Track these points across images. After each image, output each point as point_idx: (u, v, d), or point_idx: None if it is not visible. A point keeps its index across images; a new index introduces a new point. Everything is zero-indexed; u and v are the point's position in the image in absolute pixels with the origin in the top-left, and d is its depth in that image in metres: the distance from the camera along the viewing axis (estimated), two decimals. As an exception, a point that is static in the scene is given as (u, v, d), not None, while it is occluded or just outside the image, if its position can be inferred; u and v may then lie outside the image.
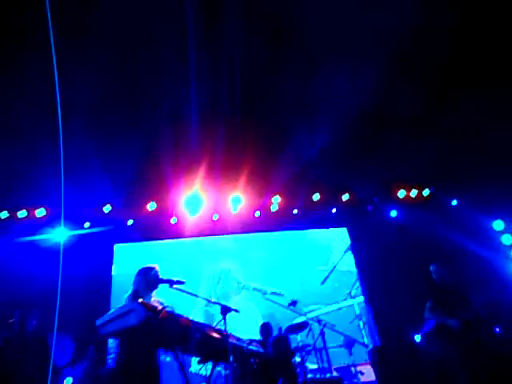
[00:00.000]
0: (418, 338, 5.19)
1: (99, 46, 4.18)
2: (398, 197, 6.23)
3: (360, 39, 4.71)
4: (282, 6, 4.40)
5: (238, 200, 6.02)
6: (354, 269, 6.29)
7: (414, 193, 6.24)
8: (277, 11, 4.43)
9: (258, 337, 4.92)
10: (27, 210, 5.53)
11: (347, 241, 6.52)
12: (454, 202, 6.28)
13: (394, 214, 6.32)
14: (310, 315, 5.44)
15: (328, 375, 4.93)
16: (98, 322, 2.94)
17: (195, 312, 4.36)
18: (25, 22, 3.96)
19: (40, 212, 5.59)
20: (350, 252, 6.51)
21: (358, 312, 5.83)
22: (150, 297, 3.66)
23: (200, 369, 3.85)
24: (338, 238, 6.66)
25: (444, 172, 5.87)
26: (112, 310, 2.96)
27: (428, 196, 6.27)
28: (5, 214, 5.45)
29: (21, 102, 4.81)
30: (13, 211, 5.50)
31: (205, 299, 4.23)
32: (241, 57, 4.60)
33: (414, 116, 5.49)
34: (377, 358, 4.65)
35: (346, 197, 6.35)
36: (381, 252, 6.10)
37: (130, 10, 4.07)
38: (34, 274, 5.05)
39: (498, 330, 4.16)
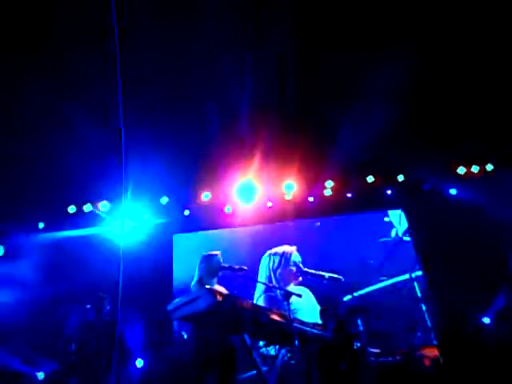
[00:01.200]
0: (486, 320, 5.00)
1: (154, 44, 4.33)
2: (458, 174, 5.96)
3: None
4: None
5: (290, 186, 6.02)
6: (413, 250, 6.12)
7: (475, 168, 5.94)
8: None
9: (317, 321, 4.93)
10: (92, 204, 5.86)
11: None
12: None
13: (453, 192, 6.04)
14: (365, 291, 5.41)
15: (390, 359, 4.86)
16: (169, 307, 3.07)
17: (257, 298, 4.43)
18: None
19: (103, 206, 5.89)
20: (408, 235, 6.33)
21: (419, 295, 5.68)
22: (213, 283, 3.77)
23: (266, 350, 3.93)
24: (397, 218, 6.49)
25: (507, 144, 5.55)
26: (181, 297, 3.09)
27: (492, 171, 5.93)
28: (73, 209, 5.81)
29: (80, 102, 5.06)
30: (79, 205, 5.86)
31: (265, 285, 4.30)
32: (291, 48, 4.61)
33: (465, 90, 5.27)
34: (443, 341, 4.53)
35: (401, 177, 6.16)
36: (440, 232, 5.87)
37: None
38: (103, 264, 5.34)
39: None
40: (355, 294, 5.57)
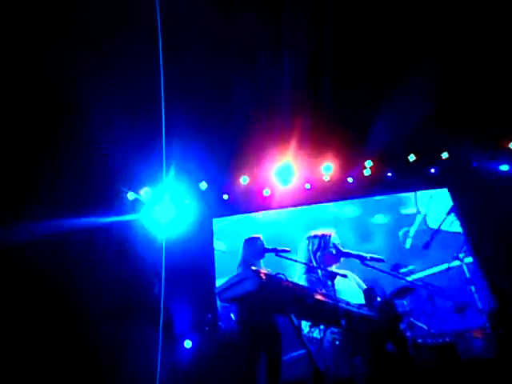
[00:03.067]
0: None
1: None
2: (509, 149, 5.67)
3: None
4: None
5: (329, 168, 5.93)
6: (459, 229, 5.90)
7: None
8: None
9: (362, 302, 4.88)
10: (135, 191, 6.00)
11: (447, 201, 6.10)
12: None
13: (505, 168, 5.74)
14: (414, 278, 5.26)
15: (440, 340, 4.75)
16: (217, 289, 3.12)
17: (297, 279, 4.44)
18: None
19: (145, 192, 6.02)
20: (453, 214, 6.08)
21: (468, 276, 5.49)
22: (259, 265, 3.80)
23: (311, 332, 3.94)
24: (437, 198, 6.26)
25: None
26: (227, 278, 3.13)
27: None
28: (130, 195, 5.98)
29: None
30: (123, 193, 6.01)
31: (307, 265, 4.28)
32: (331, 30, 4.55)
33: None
34: (496, 321, 4.38)
35: (445, 155, 5.93)
36: (489, 212, 5.63)
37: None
38: (146, 250, 5.48)
39: None
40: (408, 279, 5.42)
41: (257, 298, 2.98)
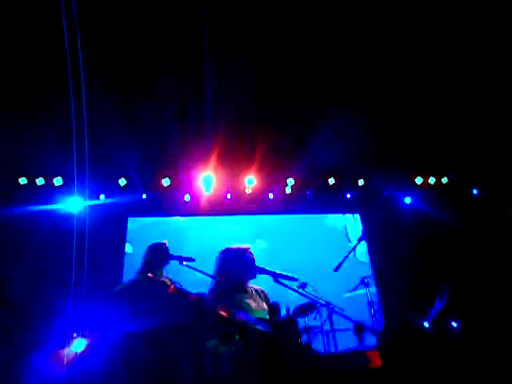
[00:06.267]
0: (426, 324, 5.17)
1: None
2: (415, 184, 6.15)
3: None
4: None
5: (251, 181, 6.00)
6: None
7: (432, 180, 6.15)
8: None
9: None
10: (45, 178, 5.60)
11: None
12: (475, 191, 6.17)
13: (408, 200, 6.23)
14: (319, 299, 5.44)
15: (334, 357, 4.93)
16: (107, 293, 2.99)
17: (208, 292, 4.38)
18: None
19: (57, 181, 5.64)
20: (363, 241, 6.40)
21: (369, 299, 5.78)
22: (161, 273, 3.70)
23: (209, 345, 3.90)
24: (356, 225, 6.57)
25: (464, 160, 5.77)
26: (123, 283, 3.01)
27: (447, 184, 6.16)
28: (24, 180, 5.53)
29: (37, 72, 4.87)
30: (31, 178, 5.59)
31: (212, 277, 4.24)
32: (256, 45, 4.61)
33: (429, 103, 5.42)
34: (384, 343, 4.64)
35: (361, 182, 6.26)
36: (394, 239, 6.03)
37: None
38: (49, 242, 5.14)
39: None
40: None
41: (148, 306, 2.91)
